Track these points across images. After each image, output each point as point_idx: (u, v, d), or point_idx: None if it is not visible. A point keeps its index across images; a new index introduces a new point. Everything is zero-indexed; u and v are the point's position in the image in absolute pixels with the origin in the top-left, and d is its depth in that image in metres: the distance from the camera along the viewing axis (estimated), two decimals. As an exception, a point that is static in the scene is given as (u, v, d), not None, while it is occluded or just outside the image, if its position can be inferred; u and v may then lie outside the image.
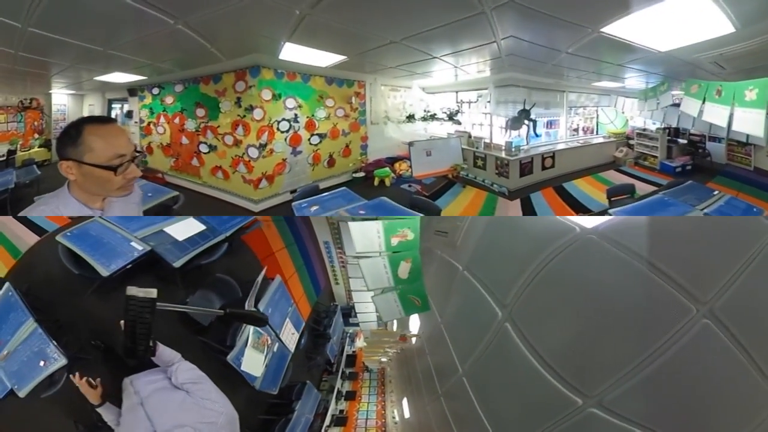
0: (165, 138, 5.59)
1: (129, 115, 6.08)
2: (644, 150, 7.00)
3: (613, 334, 1.59)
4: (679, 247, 1.50)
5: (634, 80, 5.84)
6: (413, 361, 4.89)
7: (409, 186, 5.33)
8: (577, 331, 1.71)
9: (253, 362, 3.06)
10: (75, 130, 1.29)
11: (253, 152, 4.67)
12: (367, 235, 2.73)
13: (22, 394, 2.36)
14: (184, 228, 3.16)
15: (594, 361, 1.67)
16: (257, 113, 4.54)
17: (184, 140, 5.29)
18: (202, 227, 3.24)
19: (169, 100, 5.36)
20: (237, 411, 1.87)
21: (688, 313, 1.40)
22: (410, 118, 6.23)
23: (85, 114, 6.44)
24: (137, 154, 1.37)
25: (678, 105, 5.56)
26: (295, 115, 4.87)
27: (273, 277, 3.62)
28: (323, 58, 4.30)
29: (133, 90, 5.72)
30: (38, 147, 6.97)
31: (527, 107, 5.63)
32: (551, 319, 1.83)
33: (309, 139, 5.10)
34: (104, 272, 2.64)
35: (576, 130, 7.09)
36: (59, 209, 1.34)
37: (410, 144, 5.57)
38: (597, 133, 7.34)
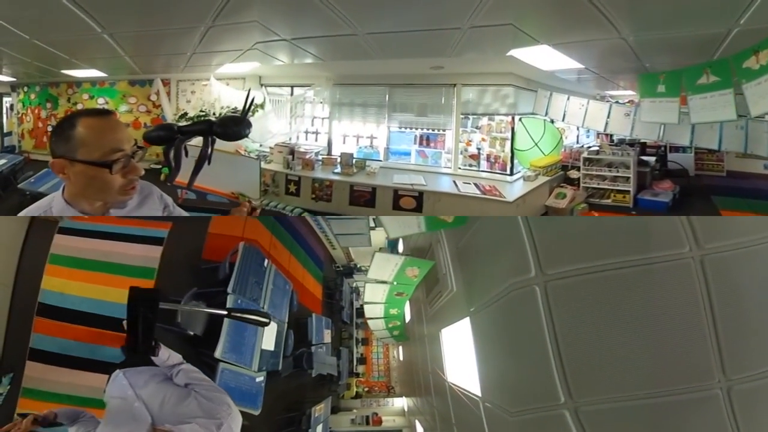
0: (30, 125, 7.28)
1: (11, 107, 7.44)
2: (597, 183, 4.56)
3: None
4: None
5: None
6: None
7: (182, 191, 4.41)
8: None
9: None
10: (68, 123, 1.21)
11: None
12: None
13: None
14: (270, 333, 3.90)
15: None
16: (79, 106, 6.50)
17: (40, 125, 7.20)
18: (275, 325, 4.02)
19: (32, 96, 7.04)
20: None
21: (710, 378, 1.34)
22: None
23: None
24: (138, 150, 1.25)
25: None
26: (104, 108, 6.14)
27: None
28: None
29: (13, 87, 7.22)
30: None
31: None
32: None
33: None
34: (257, 412, 3.44)
35: (476, 156, 4.56)
36: (51, 210, 1.30)
37: None
38: (513, 173, 4.52)
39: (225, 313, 1.85)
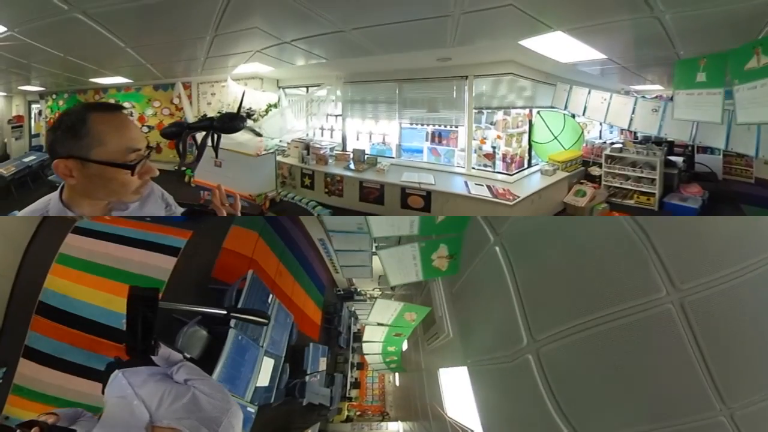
0: (58, 128, 7.73)
1: (40, 113, 7.95)
2: (620, 183, 4.33)
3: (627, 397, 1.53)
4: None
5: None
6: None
7: (204, 192, 4.54)
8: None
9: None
10: (76, 118, 1.08)
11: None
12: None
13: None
14: (266, 370, 4.02)
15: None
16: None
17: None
18: (272, 361, 4.15)
19: (61, 102, 7.53)
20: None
21: (711, 409, 1.36)
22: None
23: (14, 113, 7.88)
24: (150, 149, 1.18)
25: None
26: (131, 112, 6.73)
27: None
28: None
29: (42, 95, 7.77)
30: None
31: None
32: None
33: (141, 128, 6.44)
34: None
35: (491, 155, 4.37)
36: (47, 214, 1.26)
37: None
38: (530, 165, 4.45)
39: (224, 313, 1.82)
